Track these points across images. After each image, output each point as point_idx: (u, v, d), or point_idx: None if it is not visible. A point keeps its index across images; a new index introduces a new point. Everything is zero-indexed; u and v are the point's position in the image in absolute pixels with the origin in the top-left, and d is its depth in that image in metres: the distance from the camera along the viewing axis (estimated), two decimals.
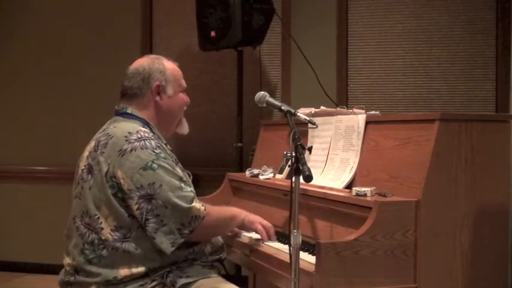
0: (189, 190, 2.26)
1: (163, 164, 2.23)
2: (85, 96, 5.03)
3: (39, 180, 5.11)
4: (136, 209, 2.18)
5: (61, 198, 4.69)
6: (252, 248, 2.53)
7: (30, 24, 5.17)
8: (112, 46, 4.96)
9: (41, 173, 5.11)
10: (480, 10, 4.26)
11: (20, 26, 5.19)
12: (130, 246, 2.20)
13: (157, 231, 2.18)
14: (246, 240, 2.60)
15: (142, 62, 2.46)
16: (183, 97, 2.51)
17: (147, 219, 2.18)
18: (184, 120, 2.56)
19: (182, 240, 2.21)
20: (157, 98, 2.42)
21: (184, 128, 2.57)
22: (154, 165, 2.21)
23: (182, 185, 2.24)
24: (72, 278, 2.27)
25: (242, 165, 3.99)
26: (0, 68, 5.25)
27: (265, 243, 2.50)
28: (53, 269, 4.49)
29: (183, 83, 2.53)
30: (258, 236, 2.57)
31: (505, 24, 4.03)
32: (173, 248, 2.20)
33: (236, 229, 2.63)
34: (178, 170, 2.31)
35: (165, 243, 2.19)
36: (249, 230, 2.56)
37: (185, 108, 2.54)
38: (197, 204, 2.24)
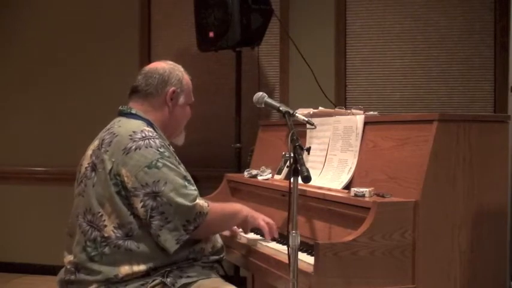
0: (193, 189, 2.29)
1: (167, 162, 2.25)
2: (84, 97, 5.02)
3: (39, 181, 5.11)
4: (141, 207, 2.19)
5: (60, 199, 4.70)
6: (250, 248, 2.53)
7: (30, 26, 5.17)
8: (111, 47, 4.96)
9: (40, 174, 5.11)
10: (478, 11, 4.25)
11: (20, 27, 5.19)
12: (132, 244, 2.21)
13: (162, 229, 2.19)
14: (244, 241, 2.60)
15: (163, 65, 2.50)
16: (189, 110, 2.55)
17: (152, 217, 2.19)
18: (183, 133, 2.60)
19: (187, 236, 2.23)
20: (170, 103, 2.45)
21: (181, 140, 2.61)
22: (159, 164, 2.23)
23: (186, 183, 2.27)
24: (72, 277, 2.27)
25: (240, 165, 3.99)
26: (0, 69, 5.25)
27: (264, 243, 2.50)
28: (52, 270, 4.49)
29: (192, 97, 2.57)
30: (257, 237, 2.57)
31: (503, 25, 4.03)
32: (177, 246, 2.21)
33: (235, 228, 2.65)
34: (182, 169, 2.33)
35: (170, 240, 2.20)
36: (251, 226, 2.56)
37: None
38: (200, 201, 2.27)
